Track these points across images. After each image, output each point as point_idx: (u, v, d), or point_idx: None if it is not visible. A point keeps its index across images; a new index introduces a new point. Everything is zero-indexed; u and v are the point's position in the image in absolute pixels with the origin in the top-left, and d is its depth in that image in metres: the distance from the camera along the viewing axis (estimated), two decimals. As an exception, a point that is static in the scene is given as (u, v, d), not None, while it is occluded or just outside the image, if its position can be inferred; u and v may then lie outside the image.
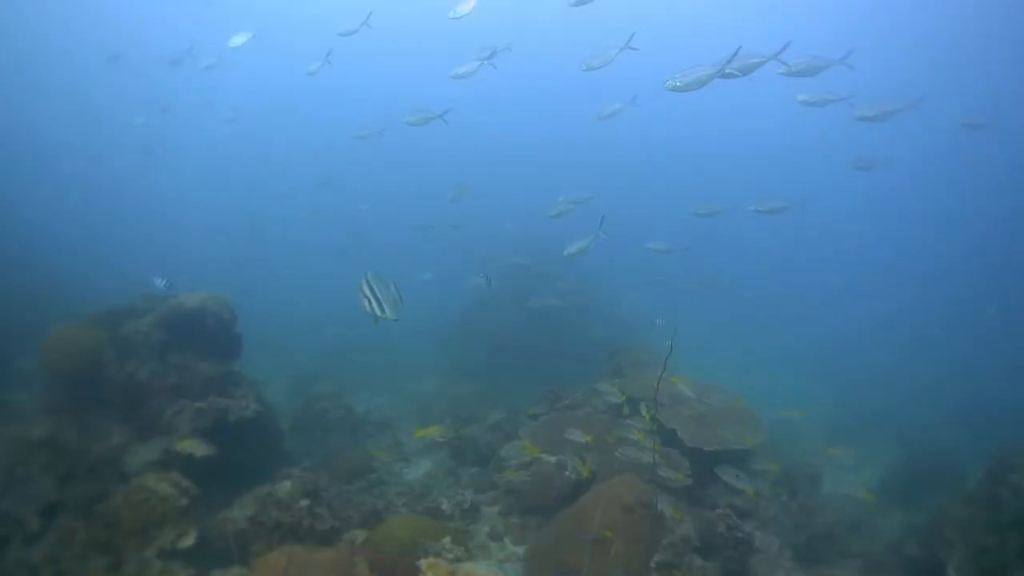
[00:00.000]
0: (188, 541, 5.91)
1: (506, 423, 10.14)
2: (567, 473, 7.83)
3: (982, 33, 26.96)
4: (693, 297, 19.44)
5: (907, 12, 28.22)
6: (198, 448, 6.59)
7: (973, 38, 27.69)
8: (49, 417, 7.54)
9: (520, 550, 7.40)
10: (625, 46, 8.75)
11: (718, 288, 18.38)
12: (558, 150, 34.38)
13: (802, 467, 9.70)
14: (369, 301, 4.91)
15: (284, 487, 6.64)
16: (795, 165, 36.31)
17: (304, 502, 6.44)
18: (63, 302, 13.29)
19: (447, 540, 6.60)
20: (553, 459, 8.00)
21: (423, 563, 5.85)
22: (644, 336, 16.17)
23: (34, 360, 10.96)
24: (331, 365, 16.14)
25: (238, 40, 14.15)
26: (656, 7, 28.84)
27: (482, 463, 9.65)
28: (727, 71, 7.30)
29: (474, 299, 18.41)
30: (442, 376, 16.76)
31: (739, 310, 24.92)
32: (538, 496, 7.84)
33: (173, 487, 6.10)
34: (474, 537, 7.60)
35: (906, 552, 7.87)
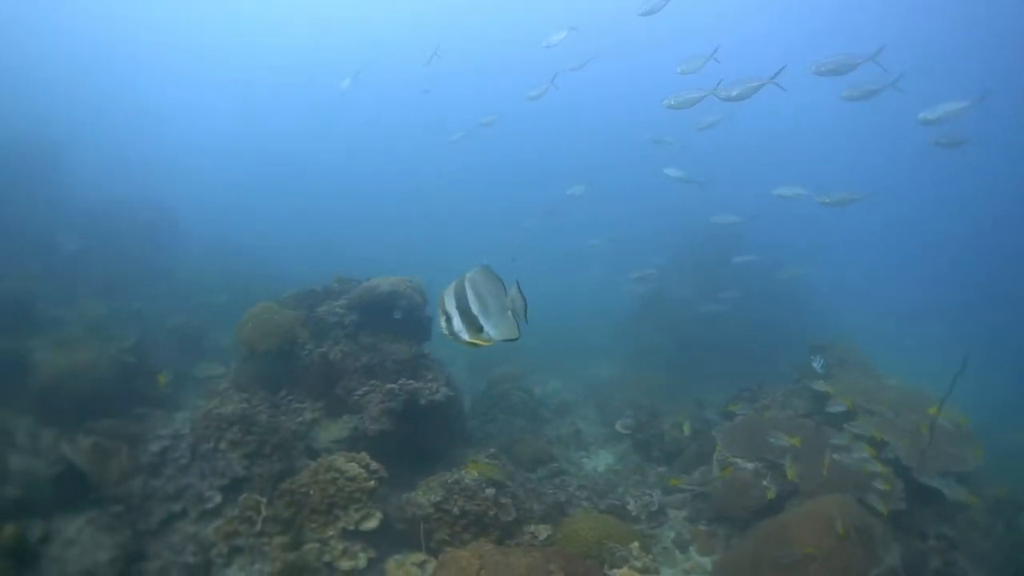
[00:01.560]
0: (372, 524, 5.78)
1: (694, 419, 9.51)
2: (765, 483, 7.15)
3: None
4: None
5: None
6: (492, 471, 6.50)
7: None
8: (242, 393, 7.78)
9: (706, 561, 6.85)
10: (711, 56, 9.40)
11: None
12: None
13: (1014, 493, 8.45)
14: (449, 320, 3.31)
15: (471, 474, 6.43)
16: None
17: (490, 491, 6.19)
18: (262, 282, 14.08)
19: (635, 546, 6.11)
20: (751, 466, 7.35)
21: (615, 573, 5.46)
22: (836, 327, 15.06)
23: (228, 335, 11.58)
24: (506, 346, 16.04)
25: (345, 83, 17.55)
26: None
27: (668, 461, 9.12)
28: (731, 95, 8.50)
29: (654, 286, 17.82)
30: (619, 362, 16.24)
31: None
32: (731, 505, 7.20)
33: (362, 468, 6.01)
34: (659, 542, 7.11)
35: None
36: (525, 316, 3.18)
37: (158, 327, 11.90)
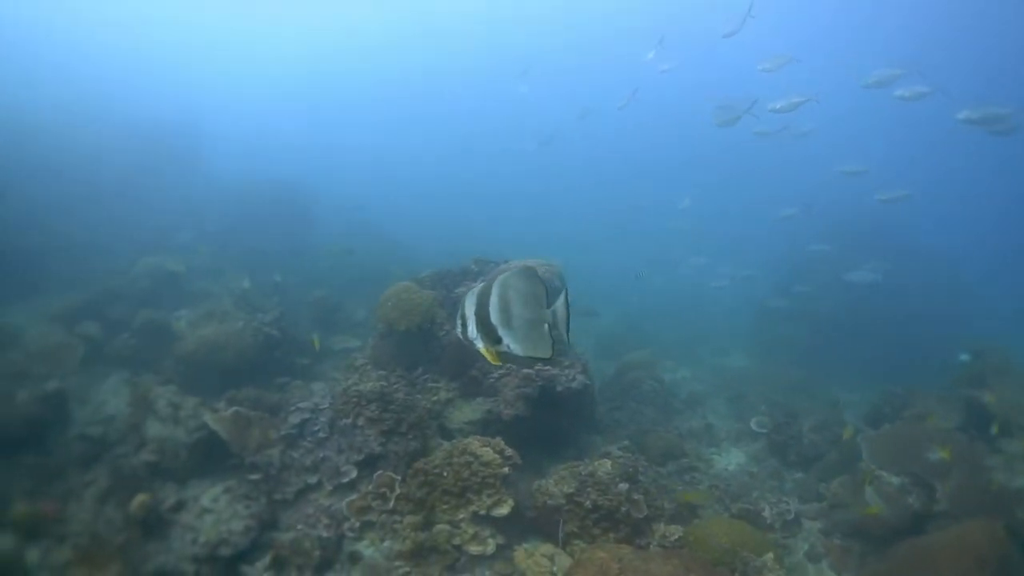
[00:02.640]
0: (503, 510, 5.75)
1: (835, 423, 9.06)
2: (909, 500, 6.73)
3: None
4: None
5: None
6: (700, 498, 6.46)
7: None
8: (380, 370, 7.94)
9: (838, 579, 6.52)
10: (791, 58, 10.93)
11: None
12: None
13: None
14: (464, 326, 2.94)
15: (604, 467, 6.31)
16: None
17: (623, 486, 6.07)
18: (399, 260, 14.43)
19: (770, 556, 5.86)
20: (896, 480, 6.94)
21: (752, 585, 5.28)
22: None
23: (362, 309, 11.90)
24: (634, 331, 15.82)
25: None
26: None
27: (805, 466, 8.71)
28: (776, 108, 9.96)
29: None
30: (750, 353, 15.80)
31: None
32: (870, 520, 6.83)
33: (497, 453, 6.00)
34: (791, 554, 6.81)
35: None
36: (567, 334, 2.73)
37: (298, 300, 12.40)
